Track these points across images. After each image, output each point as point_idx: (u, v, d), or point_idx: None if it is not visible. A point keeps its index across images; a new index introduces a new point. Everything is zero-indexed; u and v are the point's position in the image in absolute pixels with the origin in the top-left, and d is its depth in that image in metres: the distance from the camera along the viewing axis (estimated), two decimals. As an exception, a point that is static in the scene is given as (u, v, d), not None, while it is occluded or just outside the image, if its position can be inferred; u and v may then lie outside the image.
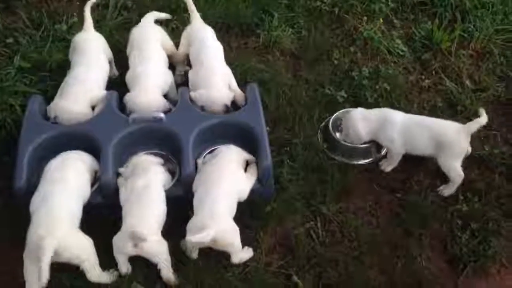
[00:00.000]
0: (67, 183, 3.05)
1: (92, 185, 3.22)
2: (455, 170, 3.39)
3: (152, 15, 4.07)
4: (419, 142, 3.43)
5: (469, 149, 3.50)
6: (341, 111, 3.79)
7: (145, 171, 3.15)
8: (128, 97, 3.54)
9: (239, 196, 3.15)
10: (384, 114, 3.51)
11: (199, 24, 3.97)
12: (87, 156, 3.27)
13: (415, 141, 3.43)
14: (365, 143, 3.58)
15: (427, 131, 3.41)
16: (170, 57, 3.92)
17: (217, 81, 3.61)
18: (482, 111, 3.45)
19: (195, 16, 4.00)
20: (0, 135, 3.59)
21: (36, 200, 2.98)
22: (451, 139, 3.36)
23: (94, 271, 2.91)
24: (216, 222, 2.90)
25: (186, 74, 3.86)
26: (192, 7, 4.03)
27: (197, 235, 2.83)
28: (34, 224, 2.86)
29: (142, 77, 3.59)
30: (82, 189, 3.13)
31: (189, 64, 3.89)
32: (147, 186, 3.08)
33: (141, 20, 4.03)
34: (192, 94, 3.57)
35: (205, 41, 3.83)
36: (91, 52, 3.77)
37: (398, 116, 3.49)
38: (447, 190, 3.43)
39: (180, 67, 3.98)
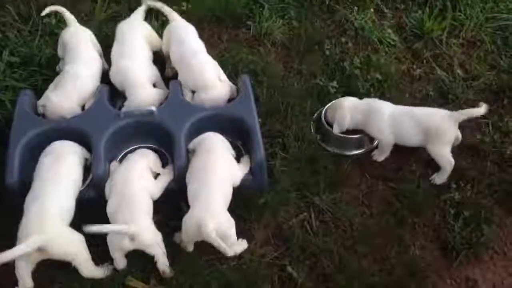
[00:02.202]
0: (60, 180, 3.04)
1: (85, 179, 3.22)
2: (445, 157, 3.41)
3: (142, 10, 4.02)
4: (407, 132, 3.44)
5: (459, 136, 3.52)
6: (333, 101, 3.79)
7: (128, 171, 3.13)
8: (127, 106, 3.52)
9: (233, 182, 3.14)
10: (372, 105, 3.53)
11: (179, 23, 3.90)
12: (76, 146, 3.25)
13: (403, 132, 3.45)
14: (357, 133, 3.59)
15: (414, 120, 3.42)
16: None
17: (212, 78, 3.57)
18: (483, 105, 3.42)
19: (173, 16, 3.94)
20: (-10, 131, 3.56)
21: (29, 197, 2.97)
22: (438, 127, 3.38)
23: (86, 267, 2.90)
24: (213, 216, 2.90)
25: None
26: (166, 9, 3.97)
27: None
28: (25, 221, 2.85)
29: (128, 77, 3.57)
30: (75, 183, 3.12)
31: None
32: (127, 185, 3.04)
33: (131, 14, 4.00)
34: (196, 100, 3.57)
35: (186, 41, 3.76)
36: (82, 47, 3.75)
37: (385, 107, 3.51)
38: (439, 179, 3.45)
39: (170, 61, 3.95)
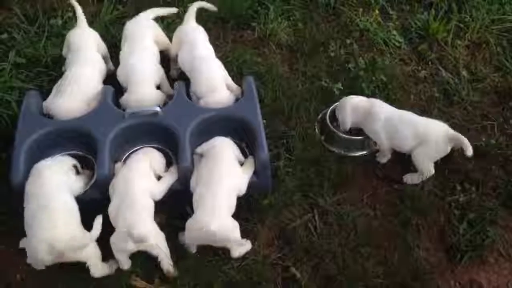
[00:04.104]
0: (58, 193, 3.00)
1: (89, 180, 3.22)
2: (427, 167, 3.40)
3: (152, 12, 4.02)
4: (401, 139, 3.42)
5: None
6: (338, 103, 3.79)
7: (129, 170, 3.13)
8: (124, 99, 3.54)
9: (239, 191, 3.14)
10: (371, 106, 3.50)
11: (191, 26, 3.90)
12: (53, 160, 3.19)
13: (398, 138, 3.42)
14: (362, 134, 3.59)
15: (412, 128, 3.39)
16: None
17: (220, 85, 3.57)
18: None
19: (189, 18, 3.93)
20: (-3, 131, 3.58)
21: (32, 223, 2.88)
22: (435, 141, 3.36)
23: (97, 267, 2.92)
24: (217, 220, 2.90)
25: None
26: (194, 8, 3.95)
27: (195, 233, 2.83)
28: (37, 232, 2.82)
29: (134, 73, 3.58)
30: (71, 188, 3.09)
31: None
32: (128, 186, 3.04)
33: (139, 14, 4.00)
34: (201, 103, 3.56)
35: (197, 45, 3.75)
36: (85, 49, 3.76)
37: (384, 110, 3.48)
38: (412, 178, 3.44)
39: (176, 62, 3.96)
